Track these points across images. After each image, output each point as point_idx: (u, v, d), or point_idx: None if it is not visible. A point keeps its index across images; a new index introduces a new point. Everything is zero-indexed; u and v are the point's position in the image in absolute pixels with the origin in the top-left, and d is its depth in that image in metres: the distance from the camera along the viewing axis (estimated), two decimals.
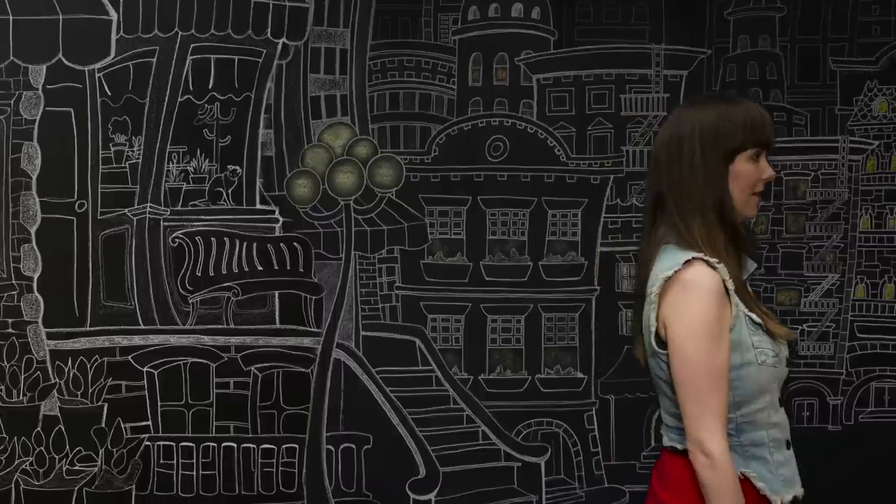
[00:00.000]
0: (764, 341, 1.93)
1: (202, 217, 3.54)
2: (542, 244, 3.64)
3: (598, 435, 3.65)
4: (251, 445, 3.52)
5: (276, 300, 3.57)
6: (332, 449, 3.55)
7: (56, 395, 3.45)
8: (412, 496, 3.53)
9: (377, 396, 3.56)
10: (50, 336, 3.45)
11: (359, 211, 3.57)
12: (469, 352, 3.64)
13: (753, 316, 1.93)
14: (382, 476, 3.55)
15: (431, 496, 3.54)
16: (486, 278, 3.64)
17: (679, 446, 1.95)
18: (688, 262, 1.87)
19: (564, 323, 3.65)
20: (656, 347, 1.92)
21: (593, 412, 3.66)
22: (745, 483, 1.90)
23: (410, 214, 3.60)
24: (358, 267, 3.58)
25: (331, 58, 3.60)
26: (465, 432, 3.61)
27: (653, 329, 1.92)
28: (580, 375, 3.66)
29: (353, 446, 3.56)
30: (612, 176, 3.64)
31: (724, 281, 1.87)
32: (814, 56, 3.66)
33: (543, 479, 3.62)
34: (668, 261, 1.91)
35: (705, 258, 1.87)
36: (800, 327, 3.62)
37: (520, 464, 3.61)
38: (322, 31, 3.58)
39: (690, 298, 1.85)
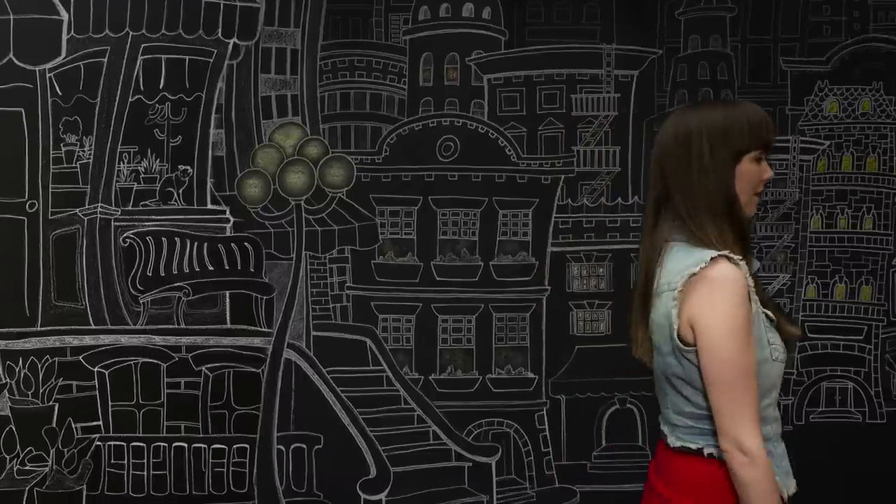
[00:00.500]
0: (775, 337, 1.95)
1: (153, 217, 3.54)
2: (493, 244, 3.64)
3: (548, 435, 3.66)
4: (202, 445, 3.52)
5: (227, 300, 3.57)
6: (283, 449, 3.55)
7: (7, 395, 3.44)
8: (363, 496, 3.53)
9: (328, 396, 3.56)
10: (0, 336, 3.44)
11: (310, 211, 3.57)
12: (420, 352, 3.64)
13: (769, 312, 1.95)
14: (333, 476, 3.55)
15: (382, 496, 3.54)
16: (437, 278, 3.64)
17: (692, 446, 1.95)
18: (713, 259, 1.88)
19: (515, 323, 3.65)
20: (680, 345, 1.91)
21: (544, 412, 3.66)
22: None
23: (361, 214, 3.60)
24: (309, 267, 3.58)
25: (282, 58, 3.60)
26: (415, 432, 3.61)
27: (675, 326, 1.91)
28: (531, 375, 3.66)
29: (304, 446, 3.57)
30: (562, 176, 3.64)
31: (746, 278, 1.89)
32: (765, 56, 3.66)
33: (494, 479, 3.62)
34: (687, 258, 1.92)
35: (730, 255, 1.88)
36: None
37: (471, 464, 3.62)
38: (273, 31, 3.58)
39: (721, 296, 1.85)
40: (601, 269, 3.67)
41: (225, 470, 3.52)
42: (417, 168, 3.61)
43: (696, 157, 1.93)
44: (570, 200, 3.65)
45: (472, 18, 3.65)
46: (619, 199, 3.66)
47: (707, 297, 1.86)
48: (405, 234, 3.63)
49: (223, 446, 3.52)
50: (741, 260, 1.90)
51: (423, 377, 3.64)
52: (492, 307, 3.65)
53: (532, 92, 3.65)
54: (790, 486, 1.97)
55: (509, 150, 3.63)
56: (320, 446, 3.56)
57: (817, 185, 3.66)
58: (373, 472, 3.55)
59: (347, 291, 3.62)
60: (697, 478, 1.92)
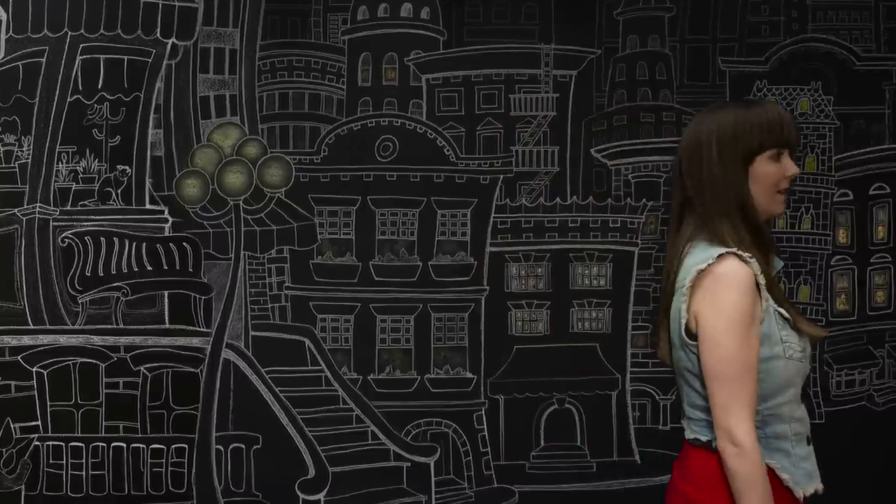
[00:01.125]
0: (791, 336, 1.96)
1: (91, 217, 3.54)
2: (432, 244, 3.64)
3: (487, 435, 3.65)
4: (140, 445, 3.52)
5: (166, 300, 3.57)
6: (222, 449, 3.55)
7: None
8: (301, 496, 3.53)
9: (266, 396, 3.56)
10: None
11: (248, 211, 3.57)
12: (358, 352, 3.63)
13: (783, 311, 1.96)
14: (272, 476, 3.55)
15: (321, 496, 3.54)
16: (376, 278, 3.64)
17: (703, 438, 1.98)
18: (721, 255, 1.91)
19: (454, 323, 3.65)
20: (686, 339, 1.95)
21: (482, 412, 3.66)
22: (769, 473, 1.92)
23: (300, 214, 3.60)
24: (247, 267, 3.58)
25: (220, 58, 3.60)
26: (354, 432, 3.61)
27: (683, 321, 1.95)
28: (469, 375, 3.66)
29: (243, 446, 3.56)
30: (501, 176, 3.64)
31: (755, 275, 1.91)
32: (703, 56, 3.66)
33: (433, 479, 3.62)
34: (701, 255, 1.95)
35: (738, 252, 1.91)
36: None
37: (409, 464, 3.61)
38: (211, 31, 3.58)
39: (723, 291, 1.89)
40: (540, 270, 3.67)
41: (163, 470, 3.52)
42: (356, 168, 3.61)
43: (706, 159, 1.97)
44: (508, 200, 3.65)
45: (411, 18, 3.65)
46: (558, 198, 3.65)
47: (710, 291, 1.90)
48: (344, 234, 3.63)
49: (162, 446, 3.52)
50: (751, 258, 1.93)
51: (361, 377, 3.63)
52: (430, 307, 3.65)
53: (470, 92, 3.65)
54: (808, 489, 1.98)
55: (448, 150, 3.63)
56: (259, 446, 3.56)
57: None
58: (311, 472, 3.54)
59: (286, 291, 3.62)
60: (707, 470, 1.94)
